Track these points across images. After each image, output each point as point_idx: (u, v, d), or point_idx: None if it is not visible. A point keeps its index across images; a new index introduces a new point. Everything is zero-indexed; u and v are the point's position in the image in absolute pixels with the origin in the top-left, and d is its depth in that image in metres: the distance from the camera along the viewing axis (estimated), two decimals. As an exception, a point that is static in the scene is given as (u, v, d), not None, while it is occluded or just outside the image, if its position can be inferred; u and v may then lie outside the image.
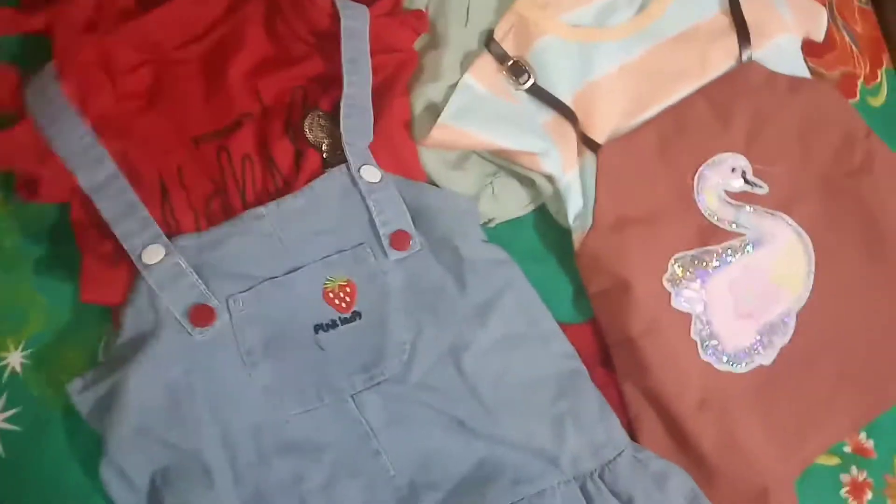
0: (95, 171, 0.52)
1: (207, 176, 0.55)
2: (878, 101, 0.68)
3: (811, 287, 0.62)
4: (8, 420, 0.52)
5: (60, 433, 0.53)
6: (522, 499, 0.54)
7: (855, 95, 0.67)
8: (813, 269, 0.62)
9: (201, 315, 0.51)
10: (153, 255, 0.51)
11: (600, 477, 0.55)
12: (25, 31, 0.54)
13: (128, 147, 0.53)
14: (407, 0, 0.60)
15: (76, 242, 0.52)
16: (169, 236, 0.52)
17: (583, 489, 0.55)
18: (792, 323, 0.61)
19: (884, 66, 0.69)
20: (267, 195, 0.55)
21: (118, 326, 0.51)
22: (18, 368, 0.53)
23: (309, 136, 0.55)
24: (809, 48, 0.66)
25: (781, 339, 0.61)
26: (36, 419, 0.53)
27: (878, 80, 0.68)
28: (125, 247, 0.51)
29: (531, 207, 0.61)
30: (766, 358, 0.61)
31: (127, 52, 0.54)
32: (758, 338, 0.61)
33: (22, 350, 0.53)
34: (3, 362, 0.53)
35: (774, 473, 0.58)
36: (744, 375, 0.60)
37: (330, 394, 0.53)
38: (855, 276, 0.62)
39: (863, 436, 0.63)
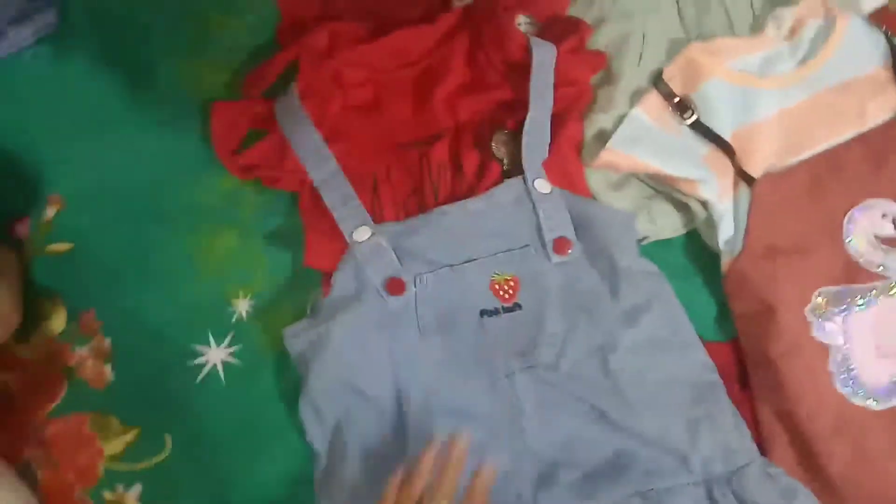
0: (323, 168, 0.64)
1: (409, 176, 0.66)
2: None
3: (955, 335, 0.63)
4: (232, 354, 0.65)
5: (271, 372, 0.65)
6: (652, 489, 0.59)
7: None
8: (960, 317, 0.63)
9: (395, 286, 0.62)
10: (361, 234, 0.63)
11: (728, 483, 0.60)
12: (281, 69, 0.68)
13: (350, 148, 0.66)
14: (589, 41, 0.69)
15: (302, 221, 0.65)
16: (374, 222, 0.63)
17: (709, 493, 0.60)
18: (933, 365, 0.63)
19: None
20: (454, 197, 0.65)
21: (327, 289, 0.63)
22: (244, 315, 0.66)
23: (494, 149, 0.65)
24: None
25: (921, 382, 0.63)
26: (253, 357, 0.65)
27: None
28: (340, 227, 0.63)
29: (683, 231, 0.68)
30: (908, 396, 0.63)
31: (354, 72, 0.67)
32: (894, 378, 0.63)
33: (249, 299, 0.66)
34: (233, 308, 0.66)
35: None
36: (879, 413, 0.62)
37: (489, 371, 0.62)
38: None
39: None
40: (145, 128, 0.70)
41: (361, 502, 0.59)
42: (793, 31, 0.68)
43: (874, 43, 0.67)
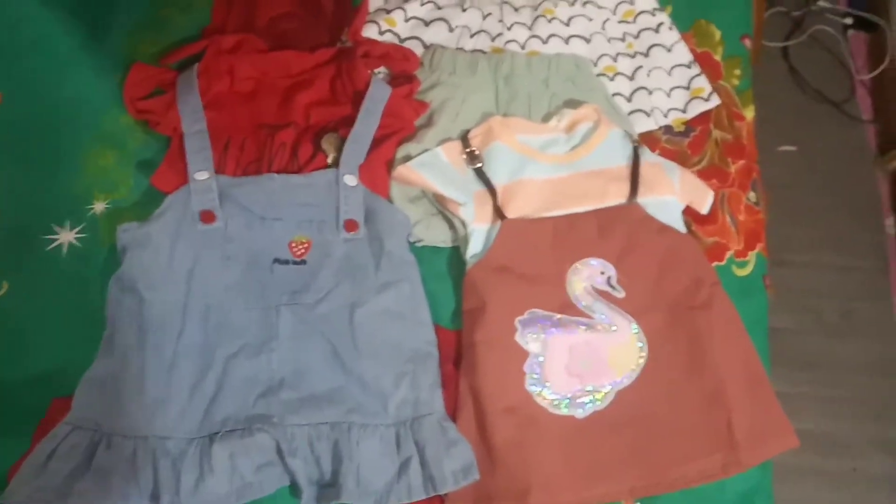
0: (194, 124, 0.86)
1: (257, 149, 0.87)
2: (742, 272, 0.88)
3: (635, 377, 0.80)
4: (78, 239, 0.84)
5: (100, 259, 0.83)
6: (348, 423, 0.75)
7: (722, 260, 0.88)
8: (643, 364, 0.80)
9: (207, 216, 0.81)
10: (201, 175, 0.83)
11: (411, 427, 0.75)
12: (195, 52, 0.92)
13: (220, 116, 0.88)
14: (423, 94, 0.92)
15: (165, 156, 0.85)
16: (217, 172, 0.84)
17: (397, 434, 0.75)
18: (610, 397, 0.79)
19: (756, 250, 0.89)
20: (284, 172, 0.86)
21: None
22: (98, 213, 0.86)
23: (323, 145, 0.86)
24: (696, 217, 0.89)
25: (597, 405, 0.79)
26: (92, 246, 0.84)
27: (748, 257, 0.88)
28: (188, 168, 0.83)
29: (450, 244, 0.87)
30: (581, 413, 0.79)
31: (246, 69, 0.91)
32: (578, 395, 0.79)
33: (106, 203, 0.86)
34: (92, 206, 0.86)
35: (544, 483, 0.74)
36: (556, 416, 0.79)
37: (264, 301, 0.79)
38: (673, 382, 0.80)
39: (637, 504, 0.77)
40: (83, 62, 0.93)
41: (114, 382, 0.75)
42: (570, 126, 0.90)
43: (625, 148, 0.89)
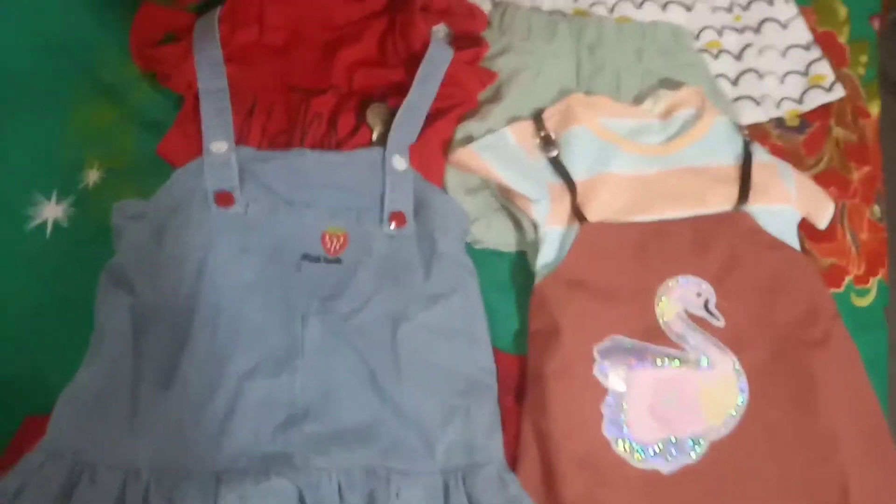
0: (212, 80, 0.69)
1: (287, 116, 0.71)
2: (862, 302, 0.73)
3: (734, 426, 0.66)
4: (66, 216, 0.69)
5: (91, 243, 0.67)
6: (387, 468, 0.60)
7: (840, 287, 0.73)
8: (743, 410, 0.66)
9: (224, 198, 0.66)
10: (219, 146, 0.67)
11: (463, 478, 0.61)
12: None
13: (245, 73, 0.72)
14: (489, 61, 0.76)
15: (176, 118, 0.69)
16: (237, 143, 0.68)
17: (446, 484, 0.61)
18: (703, 448, 0.65)
19: (878, 276, 0.74)
20: (318, 147, 0.70)
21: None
22: (90, 184, 0.70)
23: (369, 117, 0.70)
24: (811, 232, 0.74)
25: (685, 458, 0.65)
26: (82, 225, 0.69)
27: (869, 285, 0.73)
28: (203, 135, 0.67)
29: (514, 248, 0.72)
30: (666, 467, 0.65)
31: (278, 15, 0.74)
32: (663, 443, 0.65)
33: (101, 172, 0.70)
34: (83, 175, 0.70)
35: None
36: (638, 470, 0.65)
37: (288, 306, 0.64)
38: (779, 433, 0.66)
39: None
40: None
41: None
42: (667, 112, 0.75)
43: (733, 143, 0.74)
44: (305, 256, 0.67)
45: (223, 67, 0.70)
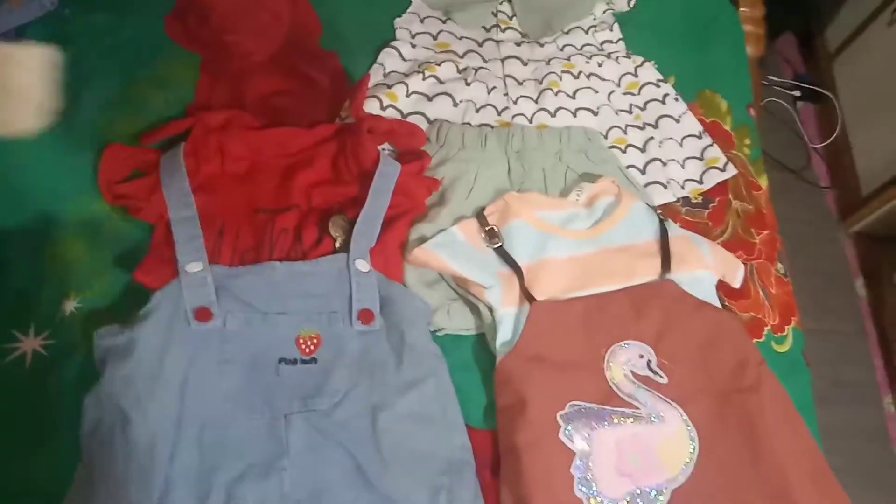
0: (182, 210, 0.76)
1: (254, 235, 0.78)
2: (782, 349, 0.83)
3: (690, 473, 0.72)
4: (44, 346, 0.72)
5: (73, 370, 0.71)
6: None
7: (761, 337, 0.83)
8: (696, 457, 0.73)
9: (203, 314, 0.71)
10: (193, 267, 0.73)
11: (453, 553, 0.65)
12: (179, 132, 0.82)
13: (212, 200, 0.78)
14: (432, 171, 0.85)
15: (150, 246, 0.75)
16: (210, 262, 0.74)
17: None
18: (666, 497, 0.71)
19: (792, 325, 0.84)
20: (287, 260, 0.76)
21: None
22: (67, 313, 0.74)
23: (331, 228, 0.78)
24: (728, 292, 0.84)
25: (653, 508, 0.71)
26: (61, 354, 0.71)
27: (785, 332, 0.83)
28: (178, 258, 0.73)
29: (474, 331, 0.79)
30: (636, 520, 0.70)
31: (238, 148, 0.82)
32: (630, 496, 0.70)
33: (77, 301, 0.74)
34: (61, 306, 0.74)
35: None
36: (606, 526, 0.69)
37: (271, 410, 0.68)
38: (731, 473, 0.72)
39: None
40: (49, 141, 0.80)
41: None
42: (590, 201, 0.85)
43: (650, 222, 0.84)
44: (282, 360, 0.71)
45: (192, 197, 0.76)
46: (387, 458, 0.68)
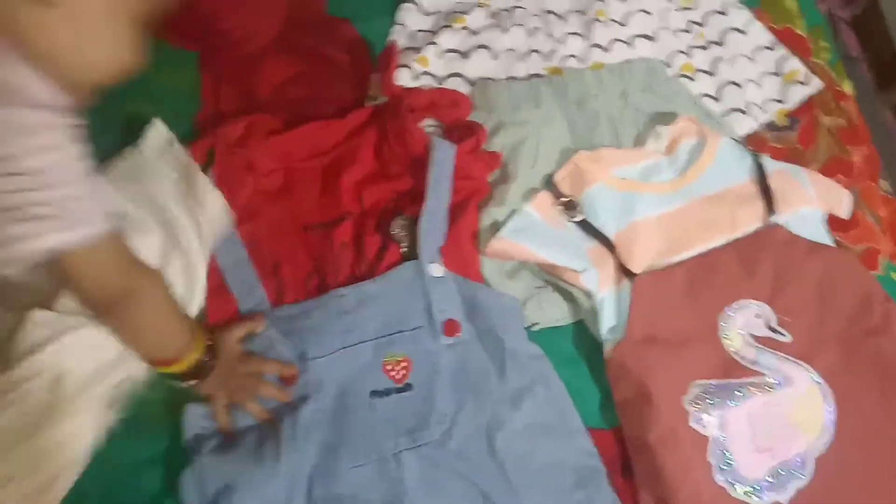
0: (231, 255, 0.67)
1: (310, 257, 0.68)
2: (902, 277, 0.75)
3: (832, 435, 0.66)
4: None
5: (150, 440, 0.63)
6: None
7: (877, 268, 0.75)
8: (833, 417, 0.66)
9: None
10: (259, 326, 0.65)
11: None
12: (203, 161, 0.70)
13: (256, 229, 0.69)
14: (487, 143, 0.75)
15: (207, 295, 0.66)
16: (275, 304, 0.66)
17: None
18: (810, 466, 0.65)
19: (906, 247, 0.76)
20: (353, 277, 0.68)
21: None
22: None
23: (393, 234, 0.68)
24: (836, 224, 0.75)
25: (798, 481, 0.65)
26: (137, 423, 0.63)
27: (903, 259, 0.76)
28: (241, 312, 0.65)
29: (570, 320, 0.71)
30: (783, 495, 0.64)
31: (266, 160, 0.71)
32: (773, 473, 0.64)
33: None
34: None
35: None
36: (758, 507, 0.64)
37: (377, 451, 0.61)
38: (875, 426, 0.66)
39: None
40: None
41: None
42: (670, 147, 0.75)
43: (742, 160, 0.75)
44: (374, 393, 0.64)
45: (237, 237, 0.68)
46: (513, 480, 0.61)
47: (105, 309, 0.53)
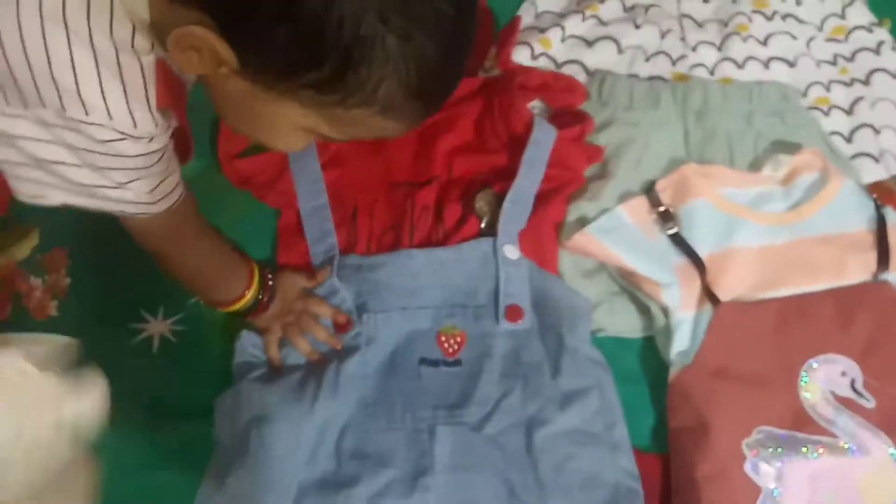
0: (313, 199, 0.68)
1: (392, 213, 0.68)
2: None
3: (902, 517, 0.60)
4: (172, 332, 0.66)
5: (201, 359, 0.65)
6: None
7: None
8: (907, 499, 0.60)
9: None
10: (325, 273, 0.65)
11: None
12: None
13: (343, 176, 0.69)
14: (592, 135, 0.72)
15: (278, 236, 0.68)
16: (345, 251, 0.66)
17: None
18: (870, 546, 0.59)
19: None
20: (428, 241, 0.67)
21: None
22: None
23: (476, 206, 0.67)
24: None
25: (856, 558, 0.59)
26: (190, 341, 0.65)
27: None
28: (312, 260, 0.66)
29: (640, 333, 0.67)
30: (834, 570, 0.59)
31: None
32: (829, 545, 0.59)
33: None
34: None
35: None
36: (802, 574, 0.59)
37: (413, 418, 0.60)
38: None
39: None
40: None
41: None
42: (789, 178, 0.70)
43: (863, 206, 0.69)
44: (423, 361, 0.63)
45: (322, 183, 0.68)
46: (544, 481, 0.58)
47: (155, 257, 0.56)
